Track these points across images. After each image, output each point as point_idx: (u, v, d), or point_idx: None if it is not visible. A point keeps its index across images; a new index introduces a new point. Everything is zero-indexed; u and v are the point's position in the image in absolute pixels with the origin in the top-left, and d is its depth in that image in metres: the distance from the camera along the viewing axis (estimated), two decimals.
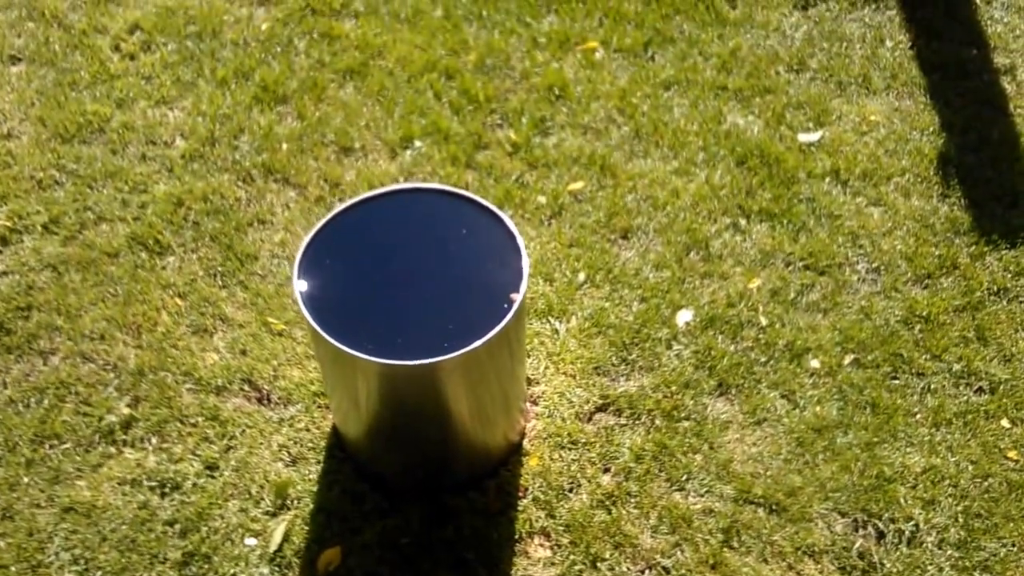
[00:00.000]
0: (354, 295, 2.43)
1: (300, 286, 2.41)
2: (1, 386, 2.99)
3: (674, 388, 3.01)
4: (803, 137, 3.75)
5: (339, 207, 2.59)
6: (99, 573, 2.62)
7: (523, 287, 2.39)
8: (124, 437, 2.90)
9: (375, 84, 3.90)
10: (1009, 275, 3.32)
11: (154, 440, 2.89)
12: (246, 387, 3.01)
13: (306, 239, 2.50)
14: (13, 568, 2.63)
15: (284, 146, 3.66)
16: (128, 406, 2.96)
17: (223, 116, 3.77)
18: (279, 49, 4.03)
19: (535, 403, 2.99)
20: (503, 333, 2.33)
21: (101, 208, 3.46)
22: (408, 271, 2.50)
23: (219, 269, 3.30)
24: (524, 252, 2.45)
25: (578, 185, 3.56)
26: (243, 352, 3.08)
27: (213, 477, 2.82)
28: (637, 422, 2.94)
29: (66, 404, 2.96)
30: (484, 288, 2.45)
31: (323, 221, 2.53)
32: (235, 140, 3.69)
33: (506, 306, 2.35)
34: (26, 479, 2.80)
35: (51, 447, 2.88)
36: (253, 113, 3.79)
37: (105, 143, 3.67)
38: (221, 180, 3.55)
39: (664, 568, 2.65)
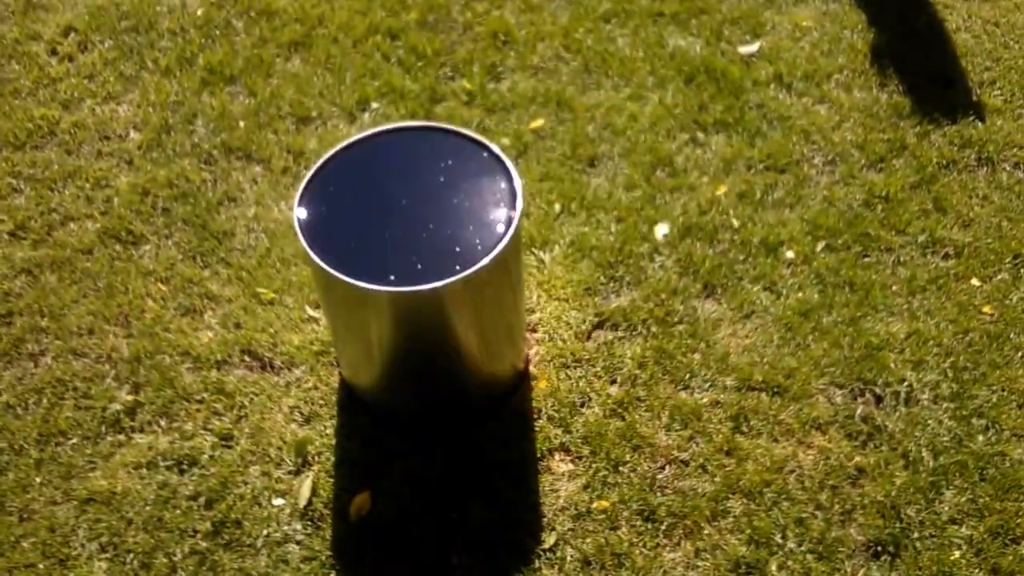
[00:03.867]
0: (355, 234, 2.40)
1: (300, 214, 2.39)
2: None
3: (663, 296, 3.05)
4: (743, 49, 3.81)
5: (332, 150, 2.57)
6: (130, 555, 2.56)
7: (519, 205, 2.39)
8: (131, 423, 2.83)
9: (321, 53, 3.85)
10: (955, 148, 3.43)
11: (162, 422, 2.83)
12: (247, 357, 2.96)
13: (302, 183, 2.47)
14: (41, 566, 2.55)
15: (241, 124, 3.59)
16: (130, 393, 2.89)
17: (173, 103, 3.68)
18: (218, 32, 3.95)
19: (534, 331, 3.00)
20: (504, 254, 2.33)
21: (66, 208, 3.36)
22: (404, 206, 2.46)
23: (197, 250, 3.23)
24: (516, 174, 2.45)
25: (539, 123, 3.57)
26: (237, 325, 3.03)
27: (229, 447, 2.77)
28: (634, 333, 2.98)
29: (65, 401, 2.88)
30: (481, 216, 2.44)
31: (317, 164, 2.51)
32: (190, 124, 3.61)
33: (504, 226, 2.36)
34: (38, 479, 2.72)
35: (58, 444, 2.79)
36: (203, 96, 3.71)
37: (58, 145, 3.56)
38: (183, 165, 3.48)
39: (683, 461, 2.69)
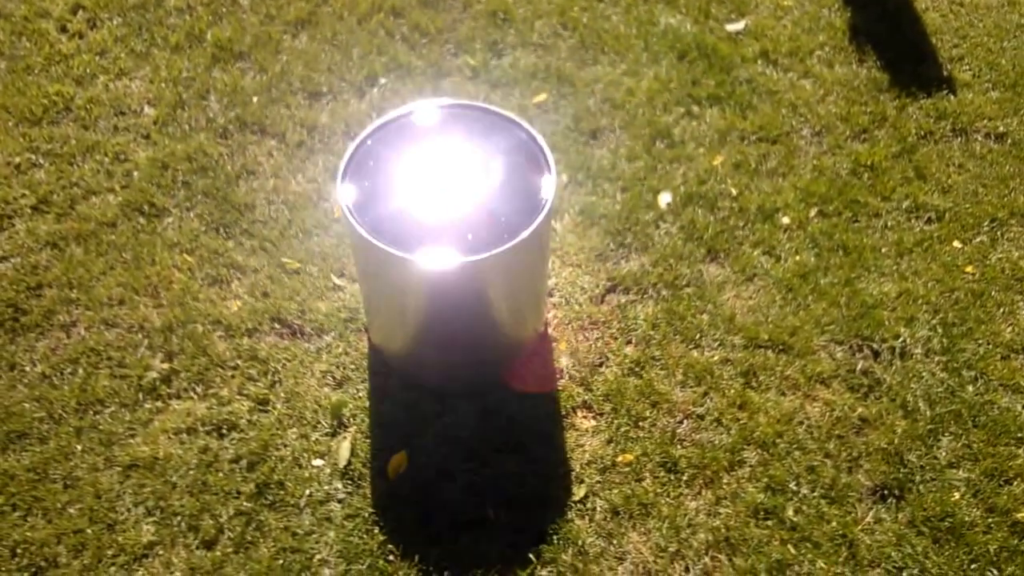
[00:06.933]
0: (395, 207, 2.32)
1: (344, 200, 2.30)
2: (30, 364, 2.77)
3: (671, 261, 3.02)
4: (730, 27, 3.77)
5: (370, 127, 2.48)
6: (177, 518, 2.48)
7: (553, 179, 2.34)
8: (168, 391, 2.73)
9: (327, 30, 3.71)
10: (931, 120, 3.45)
11: (198, 389, 2.74)
12: (276, 325, 2.87)
13: (344, 157, 2.38)
14: (89, 531, 2.46)
15: (254, 99, 3.46)
16: (164, 361, 2.78)
17: (186, 79, 3.53)
18: (225, 9, 3.78)
19: (551, 295, 2.96)
20: (541, 225, 2.28)
21: (87, 182, 3.21)
22: (441, 181, 2.39)
23: (220, 222, 3.11)
24: (550, 156, 2.40)
25: (541, 97, 3.50)
26: (265, 294, 2.94)
27: (266, 412, 2.69)
28: (645, 296, 2.95)
29: (101, 370, 2.77)
30: (517, 190, 2.38)
31: (357, 140, 2.42)
32: (203, 100, 3.47)
33: (541, 199, 2.30)
34: (79, 447, 2.61)
35: (96, 413, 2.68)
36: (215, 72, 3.56)
37: (74, 120, 3.39)
38: (200, 139, 3.34)
39: (699, 416, 2.69)
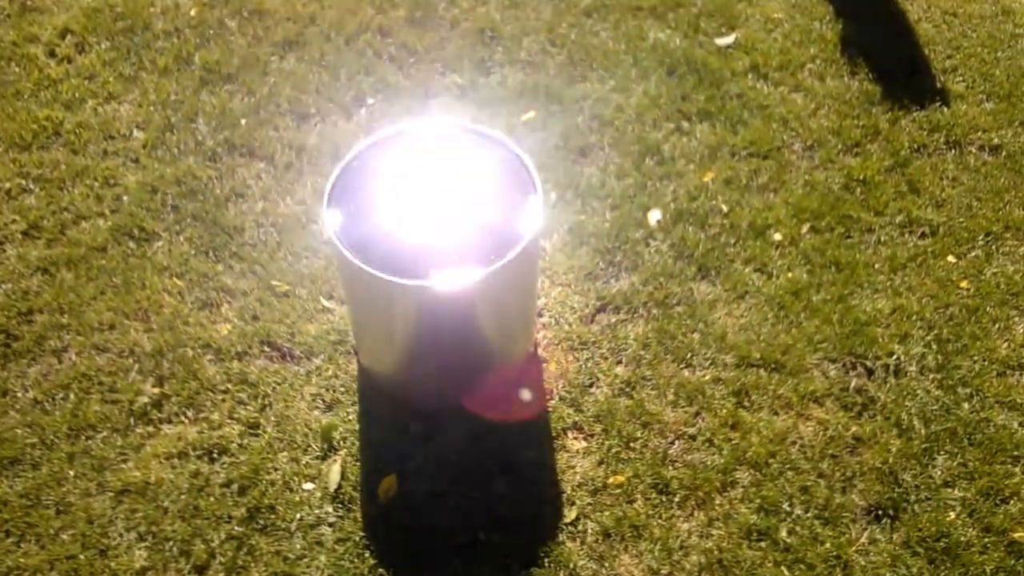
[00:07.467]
0: (382, 230, 2.39)
1: (331, 224, 2.37)
2: (22, 390, 2.83)
3: (661, 279, 3.08)
4: (720, 41, 3.85)
5: (355, 149, 2.55)
6: (169, 543, 2.54)
7: (540, 197, 2.40)
8: (159, 415, 2.79)
9: (315, 51, 3.79)
10: (924, 132, 3.51)
11: (189, 413, 2.79)
12: (266, 348, 2.93)
13: (330, 179, 2.46)
14: (82, 557, 2.51)
15: (243, 121, 3.53)
16: (155, 386, 2.84)
17: (174, 102, 3.61)
18: (212, 32, 3.86)
19: (540, 315, 3.02)
20: (531, 245, 2.35)
21: (77, 207, 3.28)
22: (426, 202, 2.46)
23: (209, 245, 3.18)
24: (536, 177, 2.46)
25: (530, 115, 3.57)
26: (254, 317, 3.00)
27: (256, 435, 2.75)
28: (635, 315, 3.01)
29: (92, 395, 2.83)
30: (504, 210, 2.44)
31: (343, 163, 2.49)
32: (192, 123, 3.54)
33: (529, 218, 2.37)
34: (72, 472, 2.67)
35: (88, 438, 2.74)
36: (203, 95, 3.63)
37: (64, 145, 3.47)
38: (188, 163, 3.41)
39: (690, 436, 2.74)
